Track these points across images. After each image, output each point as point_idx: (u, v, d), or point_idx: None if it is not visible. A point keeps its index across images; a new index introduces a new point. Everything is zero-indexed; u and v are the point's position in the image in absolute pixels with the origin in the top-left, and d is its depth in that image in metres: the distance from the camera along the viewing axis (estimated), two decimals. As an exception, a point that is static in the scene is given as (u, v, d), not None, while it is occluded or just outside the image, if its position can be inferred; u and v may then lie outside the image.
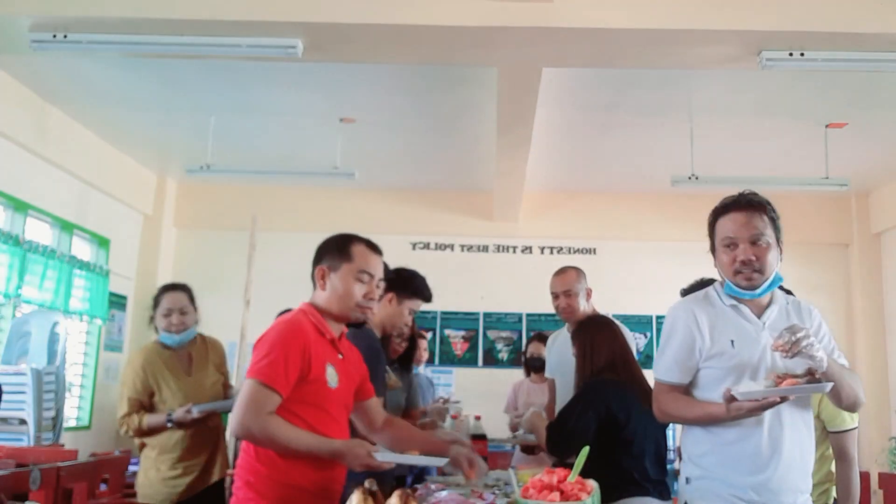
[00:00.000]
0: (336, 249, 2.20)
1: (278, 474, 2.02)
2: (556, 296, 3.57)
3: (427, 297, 3.07)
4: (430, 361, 7.11)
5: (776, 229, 2.16)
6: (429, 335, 6.93)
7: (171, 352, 3.41)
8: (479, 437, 3.74)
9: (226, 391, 3.52)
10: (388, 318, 3.02)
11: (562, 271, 3.62)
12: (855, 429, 2.65)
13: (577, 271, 3.61)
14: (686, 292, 3.17)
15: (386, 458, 2.01)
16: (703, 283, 3.01)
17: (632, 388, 2.72)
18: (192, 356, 3.45)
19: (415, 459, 2.15)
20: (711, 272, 3.18)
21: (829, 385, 1.92)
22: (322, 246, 2.25)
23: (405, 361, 3.50)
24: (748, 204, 2.13)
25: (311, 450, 2.00)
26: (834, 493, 2.68)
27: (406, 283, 3.03)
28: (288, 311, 3.93)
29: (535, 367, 5.09)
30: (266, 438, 1.97)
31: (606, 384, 2.73)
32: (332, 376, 2.10)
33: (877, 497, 4.85)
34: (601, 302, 3.83)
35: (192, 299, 3.48)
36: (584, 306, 3.53)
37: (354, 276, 2.17)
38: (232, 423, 1.99)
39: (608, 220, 7.46)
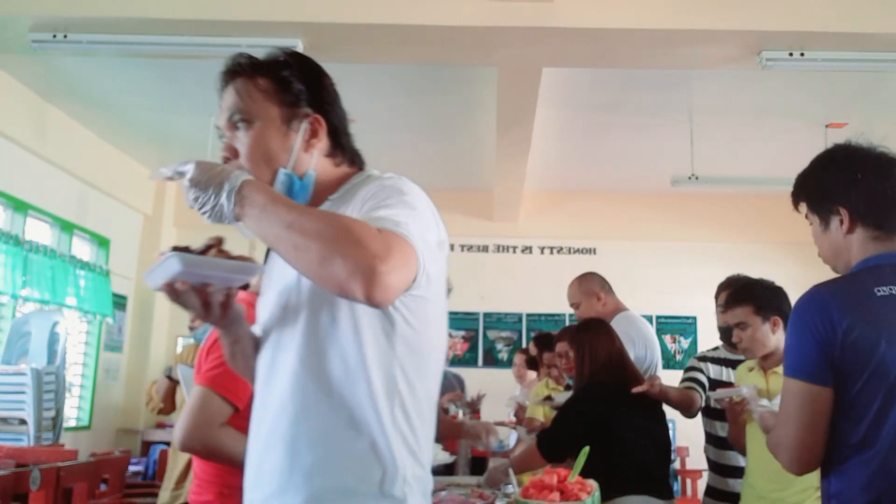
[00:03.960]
0: None
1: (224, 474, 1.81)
2: (571, 307, 3.80)
3: None
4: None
5: (281, 86, 1.33)
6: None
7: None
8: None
9: None
10: None
11: (570, 286, 3.78)
12: None
13: (579, 281, 3.72)
14: (721, 288, 3.16)
15: None
16: (736, 280, 3.00)
17: (624, 388, 2.74)
18: None
19: None
20: (712, 272, 3.20)
21: None
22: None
23: None
24: (224, 73, 1.34)
25: None
26: None
27: None
28: None
29: (536, 368, 5.10)
30: (209, 453, 1.73)
31: (596, 388, 2.76)
32: None
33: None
34: (601, 302, 3.83)
35: None
36: (597, 310, 3.58)
37: None
38: (175, 432, 1.74)
39: (608, 220, 7.46)
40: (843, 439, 1.54)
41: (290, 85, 1.33)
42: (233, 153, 1.30)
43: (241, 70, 1.32)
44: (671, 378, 3.05)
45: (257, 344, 1.37)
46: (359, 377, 1.17)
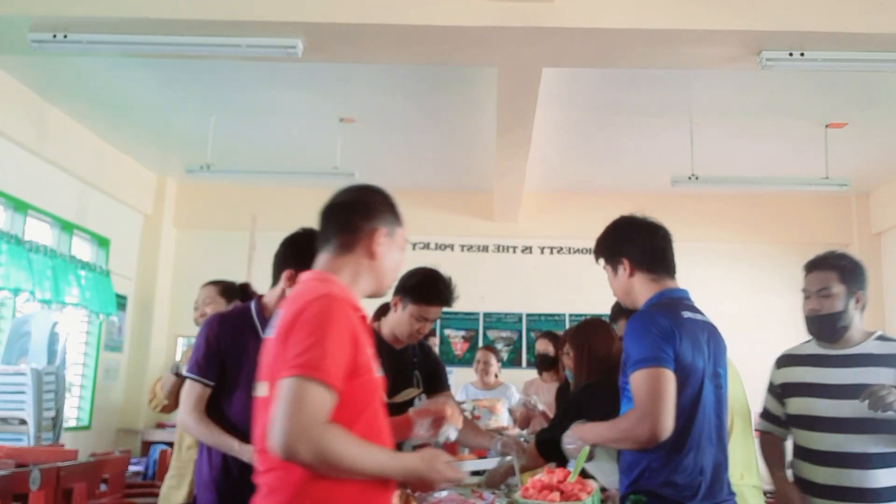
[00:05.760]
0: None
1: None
2: None
3: (437, 301, 2.75)
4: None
5: None
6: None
7: None
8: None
9: None
10: (394, 324, 2.81)
11: None
12: None
13: None
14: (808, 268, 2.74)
15: (466, 466, 1.74)
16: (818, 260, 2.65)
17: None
18: None
19: (482, 463, 2.10)
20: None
21: None
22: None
23: None
24: None
25: (385, 471, 1.53)
26: None
27: (408, 286, 2.75)
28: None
29: (544, 365, 5.09)
30: (321, 460, 1.41)
31: (595, 388, 2.75)
32: (375, 364, 1.64)
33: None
34: (601, 302, 3.82)
35: (225, 293, 3.44)
36: None
37: None
38: (274, 439, 1.42)
39: (608, 220, 7.41)
40: None
41: None
42: None
43: None
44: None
45: None
46: None
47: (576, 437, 2.24)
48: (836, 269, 2.56)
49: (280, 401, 1.43)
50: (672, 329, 2.02)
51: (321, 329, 1.48)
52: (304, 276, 1.69)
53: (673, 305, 2.13)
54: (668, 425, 1.93)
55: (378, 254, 1.70)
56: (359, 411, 1.53)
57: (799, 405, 2.59)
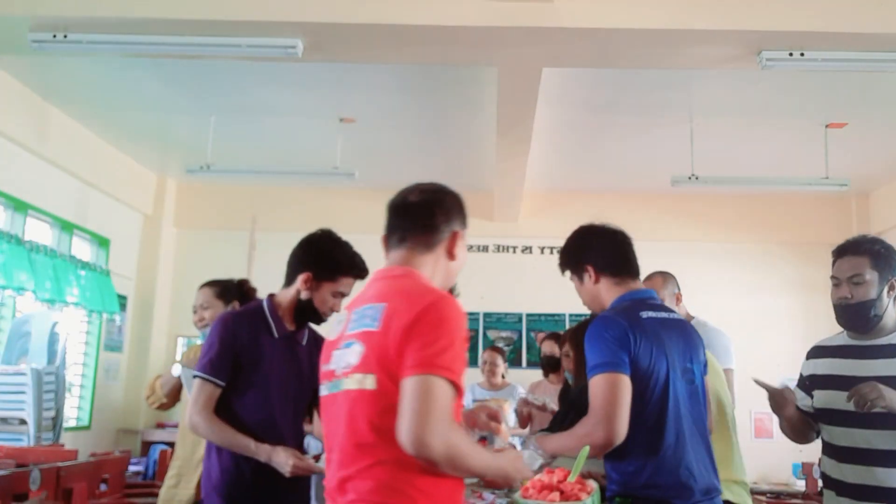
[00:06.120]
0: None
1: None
2: None
3: None
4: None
5: None
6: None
7: None
8: (480, 438, 3.74)
9: None
10: None
11: (647, 279, 3.36)
12: None
13: (663, 278, 3.43)
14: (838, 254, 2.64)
15: (533, 465, 1.88)
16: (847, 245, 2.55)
17: None
18: None
19: (535, 456, 2.17)
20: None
21: None
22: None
23: None
24: None
25: (485, 470, 1.59)
26: None
27: None
28: None
29: (550, 366, 5.08)
30: (448, 456, 1.45)
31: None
32: None
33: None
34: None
35: (223, 294, 3.33)
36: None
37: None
38: (405, 433, 1.45)
39: (608, 220, 7.37)
40: (636, 429, 1.99)
41: None
42: None
43: None
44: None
45: None
46: None
47: (538, 448, 2.22)
48: (868, 255, 2.41)
49: (413, 397, 1.45)
50: (626, 333, 2.04)
51: (452, 330, 1.54)
52: (391, 273, 1.73)
53: (631, 308, 2.15)
54: (621, 430, 1.96)
55: (457, 255, 1.82)
56: (457, 409, 1.58)
57: (824, 398, 2.47)
